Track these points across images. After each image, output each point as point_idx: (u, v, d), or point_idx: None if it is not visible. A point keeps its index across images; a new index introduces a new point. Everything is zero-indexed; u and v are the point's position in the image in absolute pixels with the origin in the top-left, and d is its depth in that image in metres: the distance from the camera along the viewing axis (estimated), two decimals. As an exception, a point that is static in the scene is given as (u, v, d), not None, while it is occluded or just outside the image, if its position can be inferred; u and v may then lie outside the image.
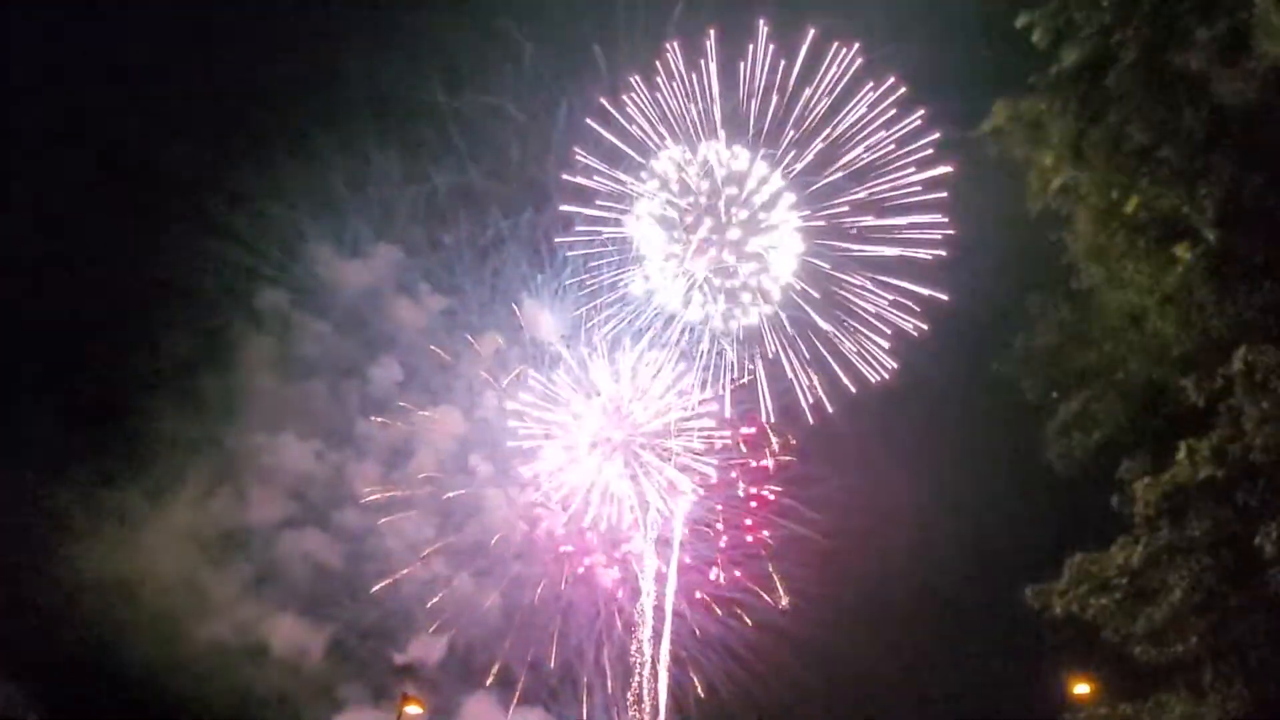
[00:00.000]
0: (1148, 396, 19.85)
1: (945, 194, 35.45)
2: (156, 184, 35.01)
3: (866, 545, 36.14)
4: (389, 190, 37.07)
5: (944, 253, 35.85)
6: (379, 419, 37.43)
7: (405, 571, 36.06)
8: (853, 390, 36.81)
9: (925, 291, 36.22)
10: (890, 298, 36.65)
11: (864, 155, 36.54)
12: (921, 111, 35.58)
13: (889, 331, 36.60)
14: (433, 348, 37.49)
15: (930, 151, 35.71)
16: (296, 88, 35.45)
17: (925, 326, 36.49)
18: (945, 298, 35.84)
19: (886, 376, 36.68)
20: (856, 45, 35.54)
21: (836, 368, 37.09)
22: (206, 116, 36.07)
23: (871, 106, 36.16)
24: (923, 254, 36.24)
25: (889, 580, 36.55)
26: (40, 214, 34.42)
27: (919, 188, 35.88)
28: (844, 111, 36.10)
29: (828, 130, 36.60)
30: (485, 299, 37.68)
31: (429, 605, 36.13)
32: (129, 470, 34.21)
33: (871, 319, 36.94)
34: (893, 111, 35.98)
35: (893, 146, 36.05)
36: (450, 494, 37.01)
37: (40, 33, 34.90)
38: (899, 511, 36.50)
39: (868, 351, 36.89)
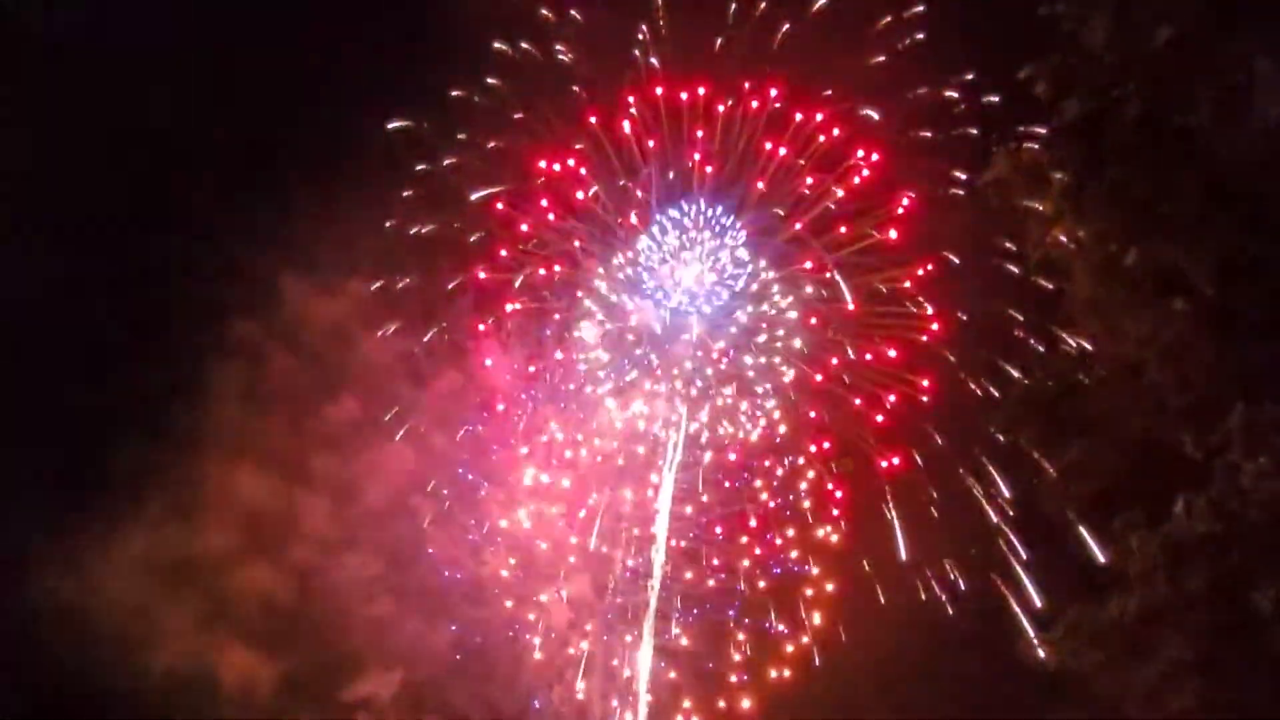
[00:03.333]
0: (1145, 449, 19.81)
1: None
2: (132, 223, 35.93)
3: (851, 594, 35.98)
4: (361, 232, 37.95)
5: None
6: (332, 455, 37.78)
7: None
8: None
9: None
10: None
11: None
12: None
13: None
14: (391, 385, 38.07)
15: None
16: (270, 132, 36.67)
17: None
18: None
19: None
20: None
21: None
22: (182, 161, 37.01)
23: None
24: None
25: (874, 630, 36.27)
26: (12, 250, 34.97)
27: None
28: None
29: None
30: (445, 340, 38.52)
31: (379, 644, 36.22)
32: (90, 497, 34.32)
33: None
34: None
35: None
36: (393, 535, 37.32)
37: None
38: (887, 559, 36.33)
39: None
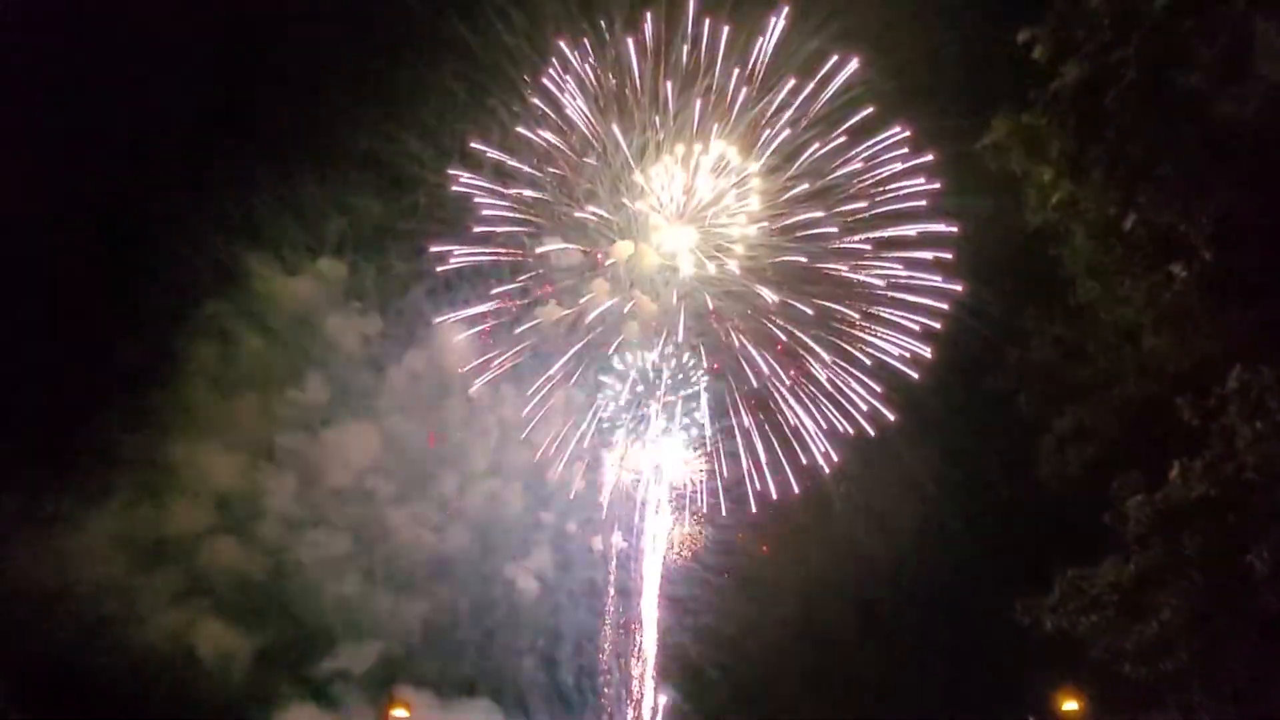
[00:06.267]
0: (1142, 414, 19.85)
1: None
2: (103, 208, 35.95)
3: (852, 556, 36.15)
4: (325, 217, 38.10)
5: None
6: (299, 436, 38.26)
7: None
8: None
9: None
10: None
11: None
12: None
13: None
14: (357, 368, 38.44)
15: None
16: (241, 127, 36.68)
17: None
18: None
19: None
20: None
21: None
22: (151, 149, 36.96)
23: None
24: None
25: (875, 594, 36.56)
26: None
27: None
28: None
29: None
30: (409, 323, 38.83)
31: (351, 620, 36.97)
32: (65, 478, 34.61)
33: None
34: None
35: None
36: (359, 514, 37.88)
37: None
38: (889, 524, 36.47)
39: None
